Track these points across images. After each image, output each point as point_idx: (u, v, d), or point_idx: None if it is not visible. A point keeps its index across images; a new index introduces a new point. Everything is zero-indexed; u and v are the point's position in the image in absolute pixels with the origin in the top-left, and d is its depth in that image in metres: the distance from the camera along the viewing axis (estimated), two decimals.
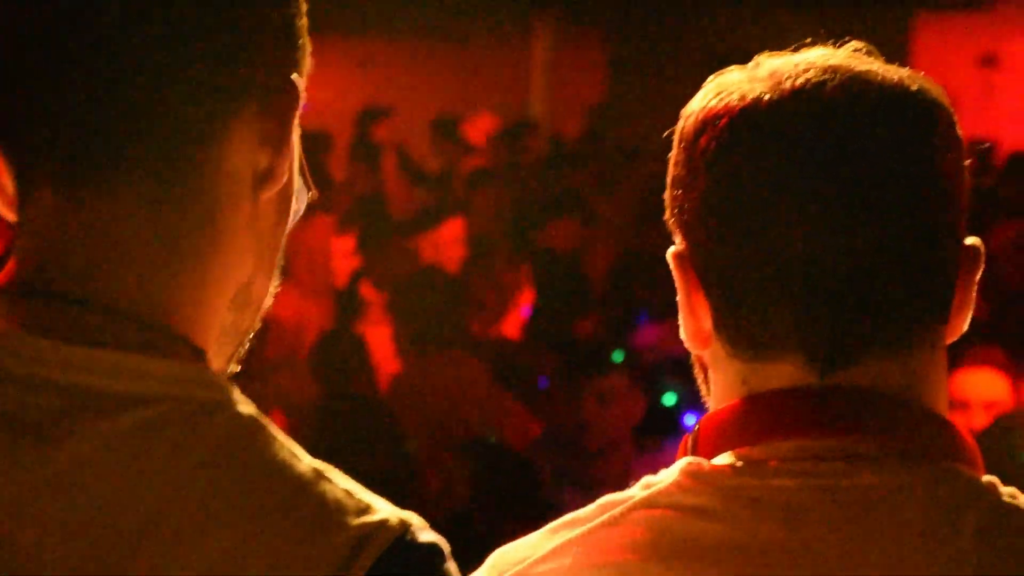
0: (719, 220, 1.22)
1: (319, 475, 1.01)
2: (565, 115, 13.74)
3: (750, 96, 1.23)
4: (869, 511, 1.16)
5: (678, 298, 1.29)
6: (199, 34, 1.02)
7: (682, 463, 1.23)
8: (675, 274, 1.27)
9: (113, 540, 0.94)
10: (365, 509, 1.01)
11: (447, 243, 8.06)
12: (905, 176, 1.20)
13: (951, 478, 1.18)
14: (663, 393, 5.72)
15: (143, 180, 1.00)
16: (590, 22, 14.70)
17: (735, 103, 1.24)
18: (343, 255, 7.98)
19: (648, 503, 1.21)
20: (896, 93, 1.23)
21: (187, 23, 1.01)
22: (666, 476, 1.23)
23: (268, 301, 1.12)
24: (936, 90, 1.24)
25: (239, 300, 1.07)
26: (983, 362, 5.60)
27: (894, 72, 1.24)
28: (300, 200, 1.13)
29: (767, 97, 1.22)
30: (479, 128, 11.56)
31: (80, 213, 1.01)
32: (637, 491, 1.23)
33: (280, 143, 1.07)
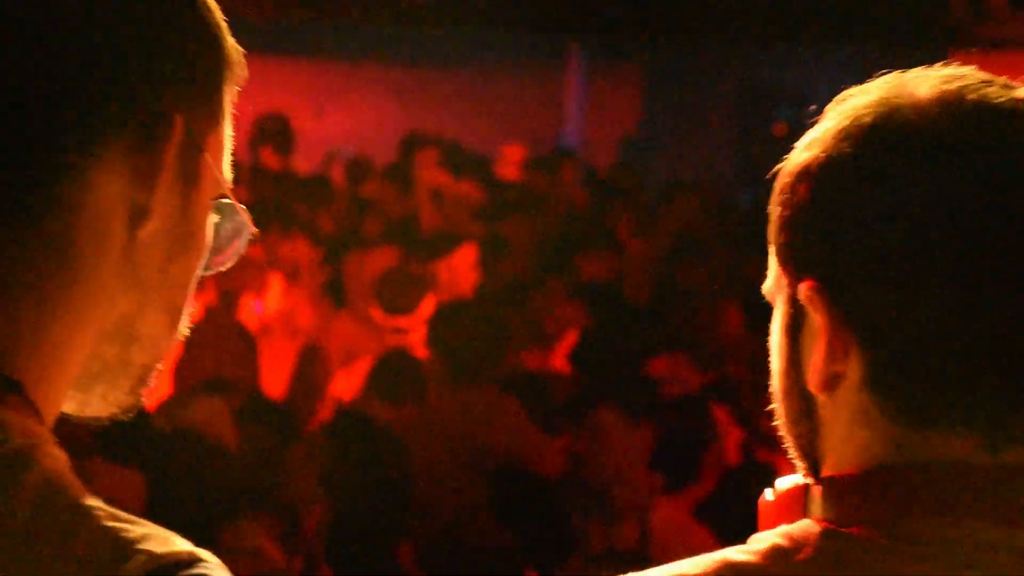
0: (901, 265, 1.11)
1: (91, 510, 0.98)
2: (597, 147, 13.58)
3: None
4: None
5: (781, 327, 1.18)
6: (49, 69, 1.00)
7: (816, 526, 1.14)
8: (811, 307, 1.13)
9: None
10: (127, 546, 0.97)
11: (462, 268, 8.00)
12: None
13: None
14: (678, 426, 5.63)
15: None
16: (624, 54, 14.55)
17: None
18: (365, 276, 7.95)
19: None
20: None
21: (33, 57, 1.00)
22: (797, 540, 1.14)
23: (171, 337, 1.10)
24: None
25: (122, 336, 1.06)
26: None
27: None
28: (232, 236, 1.12)
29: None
30: (510, 159, 11.54)
31: None
32: (755, 556, 1.15)
33: (154, 179, 1.04)
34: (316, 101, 13.24)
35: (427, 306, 7.36)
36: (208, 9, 1.06)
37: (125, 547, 0.93)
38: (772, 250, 1.17)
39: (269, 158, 10.94)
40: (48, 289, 1.01)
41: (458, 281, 7.98)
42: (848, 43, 12.21)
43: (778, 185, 1.16)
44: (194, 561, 0.94)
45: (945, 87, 1.11)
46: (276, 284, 8.25)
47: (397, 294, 7.34)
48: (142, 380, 1.08)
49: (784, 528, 1.14)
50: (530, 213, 10.04)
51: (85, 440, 5.07)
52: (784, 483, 1.19)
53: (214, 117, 1.07)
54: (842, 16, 11.14)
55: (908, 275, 1.08)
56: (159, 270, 1.05)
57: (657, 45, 13.72)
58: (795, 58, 13.73)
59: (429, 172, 10.61)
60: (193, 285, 1.10)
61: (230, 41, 1.09)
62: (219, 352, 7.16)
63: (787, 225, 1.14)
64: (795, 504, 1.17)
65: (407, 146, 11.21)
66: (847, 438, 1.14)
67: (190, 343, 1.85)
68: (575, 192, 11.33)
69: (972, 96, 1.10)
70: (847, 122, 1.12)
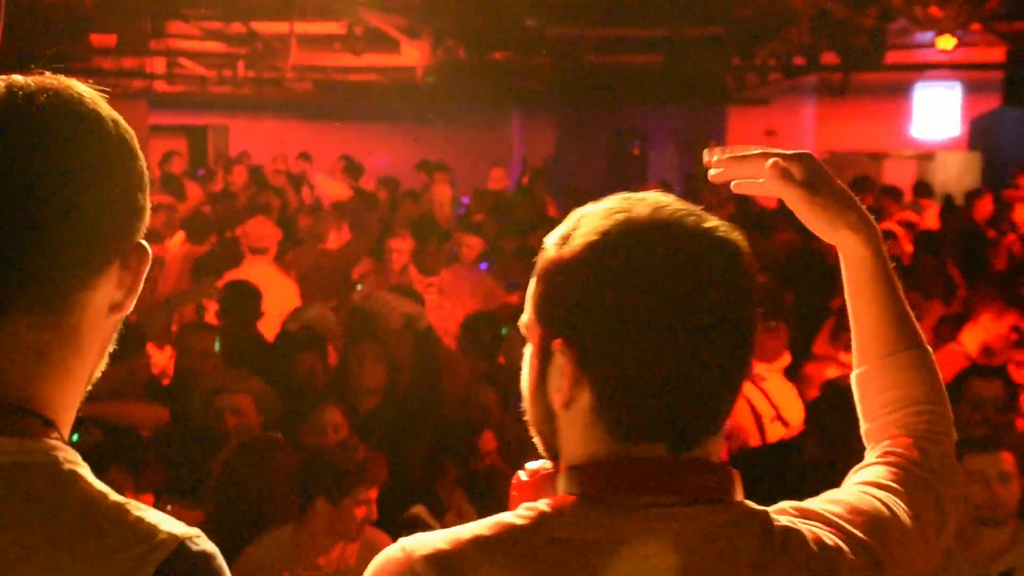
0: (612, 333, 1.26)
1: (120, 507, 1.14)
2: (530, 165, 16.00)
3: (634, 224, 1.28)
4: (709, 538, 1.26)
5: (534, 359, 1.34)
6: (75, 223, 1.18)
7: (568, 499, 1.28)
8: (559, 355, 1.29)
9: None
10: (152, 529, 1.14)
11: (472, 245, 8.57)
12: (740, 313, 1.28)
13: (743, 514, 1.30)
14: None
15: (31, 313, 1.18)
16: (544, 112, 17.81)
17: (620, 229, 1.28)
18: (402, 252, 7.93)
19: (550, 537, 1.26)
20: (729, 246, 1.30)
21: (70, 218, 1.18)
22: (556, 507, 1.28)
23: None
24: (743, 240, 1.31)
25: (91, 380, 1.26)
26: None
27: (715, 225, 1.29)
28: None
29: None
30: (495, 177, 13.69)
31: None
32: (527, 519, 1.27)
33: (132, 287, 1.24)
34: (368, 147, 15.80)
35: (444, 273, 7.91)
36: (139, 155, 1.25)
37: (152, 530, 1.13)
38: (530, 305, 1.35)
39: (344, 180, 13.23)
40: (67, 358, 1.22)
41: (466, 253, 8.51)
42: (669, 102, 15.90)
43: (539, 267, 1.33)
44: (195, 536, 1.15)
45: (656, 212, 1.28)
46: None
47: (426, 263, 7.83)
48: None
49: (545, 500, 1.29)
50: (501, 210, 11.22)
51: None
52: (533, 466, 1.36)
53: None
54: (666, 88, 13.78)
55: (620, 343, 1.26)
56: (112, 337, 1.28)
57: (564, 107, 17.00)
58: (641, 112, 17.43)
59: (441, 189, 12.57)
60: None
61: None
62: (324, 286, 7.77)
63: (544, 299, 1.32)
64: (544, 483, 1.33)
65: (426, 168, 13.53)
66: (579, 441, 1.30)
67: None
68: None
69: (672, 219, 1.28)
70: (588, 233, 1.28)
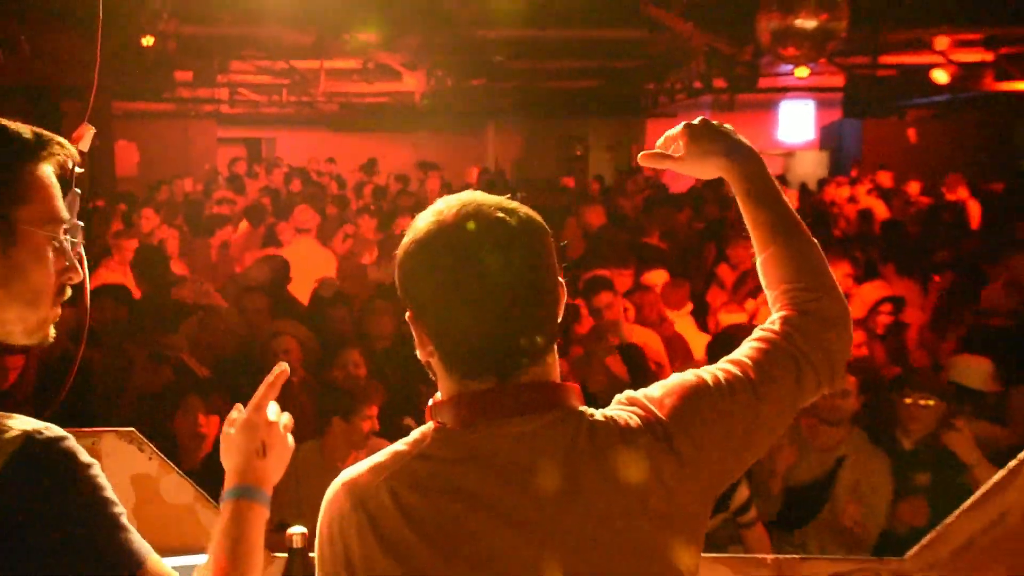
0: (433, 309, 1.24)
1: None
2: (504, 166, 16.08)
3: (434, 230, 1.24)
4: (533, 436, 1.23)
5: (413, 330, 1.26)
6: None
7: (435, 426, 1.26)
8: (411, 324, 1.27)
9: None
10: (6, 429, 1.03)
11: None
12: (531, 276, 1.23)
13: (566, 414, 1.25)
14: None
15: None
16: (511, 122, 17.15)
17: (433, 235, 1.24)
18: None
19: (422, 455, 1.24)
20: (526, 223, 1.25)
21: None
22: (424, 433, 1.26)
23: (38, 314, 1.16)
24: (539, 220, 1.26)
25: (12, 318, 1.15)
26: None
27: (516, 208, 1.25)
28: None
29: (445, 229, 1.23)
30: (472, 173, 12.68)
31: None
32: (410, 446, 1.25)
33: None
34: (379, 152, 15.31)
35: None
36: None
37: (5, 429, 1.03)
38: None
39: (364, 177, 13.04)
40: None
41: None
42: (603, 116, 16.28)
43: (397, 255, 1.26)
44: (43, 428, 1.05)
45: (460, 210, 1.23)
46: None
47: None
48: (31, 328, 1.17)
49: (425, 426, 1.28)
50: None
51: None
52: (431, 402, 1.30)
53: (22, 196, 1.12)
54: (600, 105, 14.64)
55: (440, 314, 1.24)
56: (7, 289, 1.14)
57: (526, 120, 16.79)
58: (582, 123, 17.14)
59: (432, 183, 11.96)
60: (47, 291, 1.15)
61: (24, 135, 1.13)
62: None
63: (398, 281, 1.27)
64: (431, 412, 1.29)
65: (423, 167, 13.51)
66: (442, 385, 1.28)
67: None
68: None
69: (472, 214, 1.23)
70: (410, 232, 1.25)
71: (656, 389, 1.33)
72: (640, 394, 1.33)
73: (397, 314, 4.81)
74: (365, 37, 8.88)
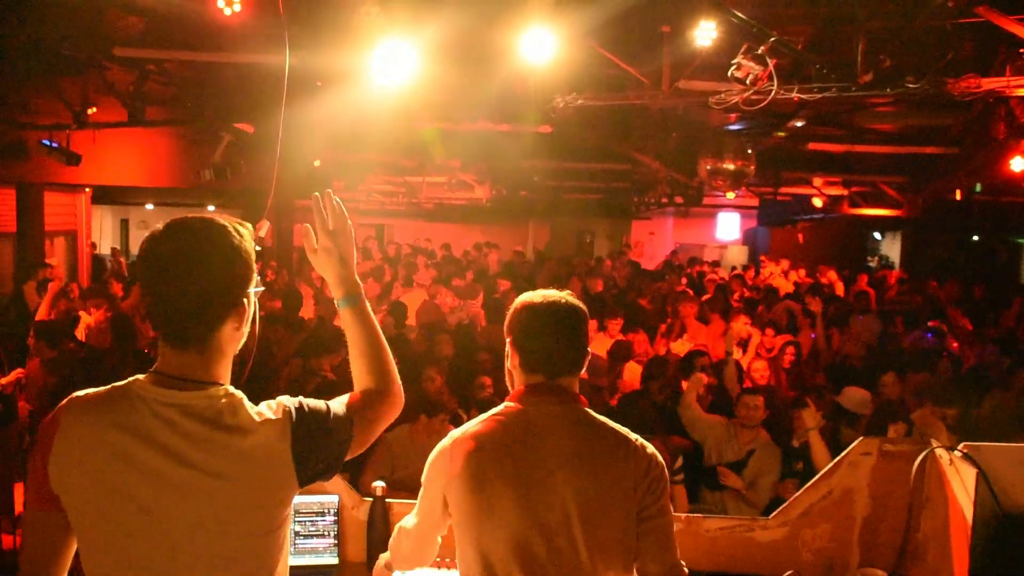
0: (522, 339, 1.33)
1: None
2: (538, 247, 15.57)
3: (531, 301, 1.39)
4: (556, 414, 1.28)
5: (508, 348, 1.33)
6: (218, 286, 1.06)
7: (507, 404, 1.32)
8: (509, 347, 1.34)
9: None
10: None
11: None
12: (575, 328, 1.33)
13: (578, 408, 1.34)
14: None
15: (207, 338, 1.06)
16: (543, 220, 16.39)
17: (528, 302, 1.37)
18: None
19: (505, 417, 1.31)
20: (566, 305, 1.36)
21: (214, 283, 1.06)
22: (506, 406, 1.32)
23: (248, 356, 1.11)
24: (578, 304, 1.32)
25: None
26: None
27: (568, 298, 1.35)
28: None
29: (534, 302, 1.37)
30: (517, 251, 12.31)
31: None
32: (498, 412, 1.31)
33: (243, 321, 1.10)
34: (459, 235, 14.12)
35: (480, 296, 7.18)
36: (244, 238, 1.07)
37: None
38: (507, 325, 1.36)
39: (445, 252, 11.82)
40: (219, 367, 1.09)
41: (501, 287, 7.38)
42: (604, 217, 15.21)
43: (513, 309, 1.36)
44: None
45: (543, 297, 1.33)
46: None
47: (468, 291, 7.31)
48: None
49: (506, 404, 1.33)
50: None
51: None
52: (511, 393, 1.37)
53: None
54: (602, 210, 13.71)
55: (523, 342, 1.34)
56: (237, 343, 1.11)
57: (553, 218, 15.64)
58: (590, 222, 15.85)
59: (492, 256, 11.73)
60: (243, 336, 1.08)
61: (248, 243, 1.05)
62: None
63: (508, 323, 1.36)
64: (513, 398, 1.32)
65: (487, 246, 12.06)
66: (517, 379, 1.36)
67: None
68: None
69: (546, 300, 1.34)
70: (517, 303, 1.31)
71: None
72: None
73: (454, 343, 4.77)
74: (451, 163, 9.03)
